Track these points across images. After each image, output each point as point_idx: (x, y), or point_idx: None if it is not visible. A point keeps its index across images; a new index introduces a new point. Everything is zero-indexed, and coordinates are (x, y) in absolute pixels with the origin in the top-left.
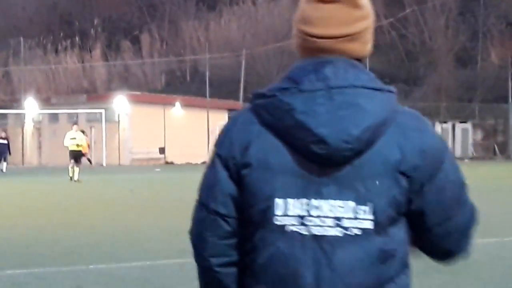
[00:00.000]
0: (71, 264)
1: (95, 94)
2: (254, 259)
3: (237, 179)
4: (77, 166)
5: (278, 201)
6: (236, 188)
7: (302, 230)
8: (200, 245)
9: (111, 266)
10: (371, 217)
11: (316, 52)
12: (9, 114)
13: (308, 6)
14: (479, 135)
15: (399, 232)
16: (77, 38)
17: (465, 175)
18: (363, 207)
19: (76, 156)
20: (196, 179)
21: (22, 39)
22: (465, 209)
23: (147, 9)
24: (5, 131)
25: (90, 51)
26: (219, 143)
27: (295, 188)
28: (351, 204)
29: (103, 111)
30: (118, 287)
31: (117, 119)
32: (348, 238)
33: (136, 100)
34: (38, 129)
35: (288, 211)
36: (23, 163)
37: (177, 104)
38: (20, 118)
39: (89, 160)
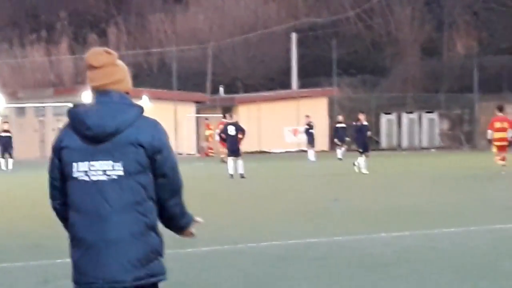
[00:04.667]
0: (38, 258)
1: (62, 87)
2: (69, 198)
3: (59, 156)
4: None
5: (74, 164)
6: (59, 162)
7: (87, 178)
8: (49, 194)
9: None
10: (122, 169)
11: (98, 91)
12: None
13: (90, 72)
14: (446, 125)
15: (145, 178)
16: (43, 32)
17: (432, 164)
18: (117, 164)
19: None
20: None
21: None
22: (178, 173)
23: (113, 2)
24: (7, 122)
25: (57, 45)
26: (53, 141)
27: (82, 156)
28: (110, 162)
29: (70, 104)
30: None
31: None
32: (110, 181)
33: None
34: (5, 123)
35: (79, 168)
36: None
37: (144, 97)
38: None
39: None
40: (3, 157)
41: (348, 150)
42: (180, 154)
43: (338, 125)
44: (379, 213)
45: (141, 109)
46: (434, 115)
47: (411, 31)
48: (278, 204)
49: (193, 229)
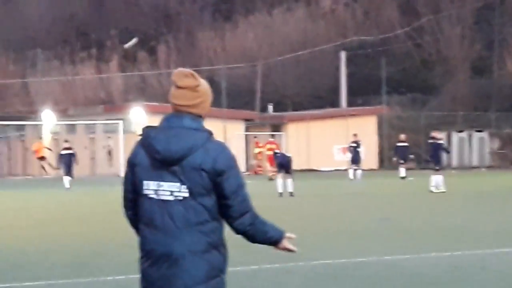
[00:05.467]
0: (89, 275)
1: (112, 105)
2: (139, 211)
3: (133, 171)
4: None
5: (145, 182)
6: (132, 176)
7: (155, 197)
8: (123, 204)
9: (130, 277)
10: (187, 191)
11: (176, 110)
12: (27, 126)
13: (173, 89)
14: (496, 144)
15: (208, 200)
16: (94, 49)
17: (482, 183)
18: (183, 186)
19: None
20: None
21: (39, 50)
22: (242, 195)
23: (163, 20)
24: (68, 141)
25: (107, 62)
26: (129, 156)
27: (152, 176)
28: (177, 184)
29: (120, 122)
30: None
31: (134, 130)
32: (177, 201)
33: (153, 111)
34: (55, 140)
35: (149, 187)
36: (41, 174)
37: None
38: (38, 129)
39: None
40: (69, 175)
41: (408, 168)
42: None
43: (400, 143)
44: (429, 232)
45: (208, 133)
46: (484, 134)
47: (461, 50)
48: (327, 223)
49: (287, 244)
